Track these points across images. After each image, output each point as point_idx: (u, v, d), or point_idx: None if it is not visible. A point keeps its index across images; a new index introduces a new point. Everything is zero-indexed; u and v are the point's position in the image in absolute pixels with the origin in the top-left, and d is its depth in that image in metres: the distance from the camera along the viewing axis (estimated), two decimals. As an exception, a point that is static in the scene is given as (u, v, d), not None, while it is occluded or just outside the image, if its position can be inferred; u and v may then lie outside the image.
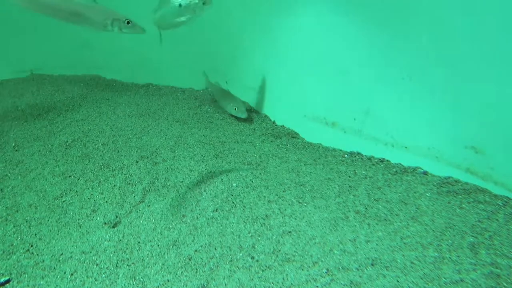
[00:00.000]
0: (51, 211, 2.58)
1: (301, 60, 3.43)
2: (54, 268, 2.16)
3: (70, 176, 2.89)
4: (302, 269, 2.06)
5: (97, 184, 2.80)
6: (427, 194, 2.61)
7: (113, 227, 2.45)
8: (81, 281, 2.07)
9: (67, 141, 3.31)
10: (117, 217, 2.51)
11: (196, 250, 2.22)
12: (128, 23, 2.36)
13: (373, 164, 3.00)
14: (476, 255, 2.10)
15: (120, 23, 2.36)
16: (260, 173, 2.89)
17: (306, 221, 2.40)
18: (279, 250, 2.19)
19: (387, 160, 3.01)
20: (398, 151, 2.96)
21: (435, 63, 2.66)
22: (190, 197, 2.65)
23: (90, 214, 2.55)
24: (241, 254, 2.18)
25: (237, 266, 2.10)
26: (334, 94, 3.26)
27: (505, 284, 1.91)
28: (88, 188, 2.77)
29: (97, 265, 2.16)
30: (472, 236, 2.24)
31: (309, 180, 2.81)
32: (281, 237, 2.28)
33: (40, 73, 4.66)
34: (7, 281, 2.09)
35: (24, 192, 2.75)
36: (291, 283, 1.98)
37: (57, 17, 2.37)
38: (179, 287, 2.00)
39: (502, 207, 2.45)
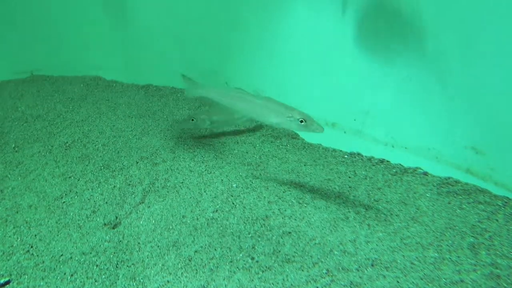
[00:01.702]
0: (51, 212, 2.58)
1: (301, 60, 3.43)
2: (54, 269, 2.16)
3: (70, 177, 2.89)
4: (302, 270, 2.06)
5: (97, 185, 2.80)
6: (427, 195, 2.61)
7: (113, 228, 2.44)
8: (81, 282, 2.07)
9: (67, 142, 3.31)
10: (117, 218, 2.51)
11: (196, 251, 2.22)
12: (302, 121, 2.28)
13: (373, 165, 3.00)
14: (476, 256, 2.10)
15: (294, 121, 2.31)
16: (260, 174, 2.89)
17: (306, 221, 2.40)
18: (279, 251, 2.19)
19: (387, 161, 3.01)
20: (398, 151, 2.97)
21: (435, 64, 2.66)
22: (190, 198, 2.65)
23: (90, 215, 2.54)
24: (241, 255, 2.18)
25: (237, 267, 2.10)
26: (334, 95, 3.26)
27: (505, 284, 1.91)
28: (88, 189, 2.77)
29: (97, 266, 2.16)
30: (472, 236, 2.24)
31: (309, 181, 2.81)
32: (281, 238, 2.28)
33: (40, 74, 4.67)
34: (7, 282, 2.08)
35: (24, 193, 2.74)
36: (291, 284, 1.98)
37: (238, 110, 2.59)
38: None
39: (502, 208, 2.45)
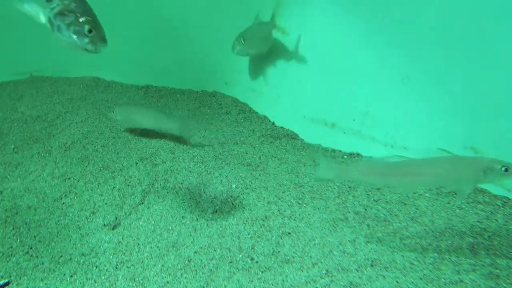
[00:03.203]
0: (51, 213, 2.58)
1: (301, 61, 3.43)
2: (54, 270, 2.16)
3: (69, 178, 2.89)
4: (302, 270, 2.06)
5: (96, 186, 2.80)
6: (427, 195, 2.61)
7: (113, 229, 2.45)
8: (80, 283, 2.07)
9: (66, 143, 3.31)
10: (116, 218, 2.51)
11: (195, 252, 2.22)
12: (507, 170, 1.94)
13: (373, 165, 2.99)
14: (476, 256, 2.10)
15: (492, 172, 1.95)
16: (259, 174, 2.89)
17: (305, 222, 2.40)
18: (279, 251, 2.19)
19: (387, 161, 3.01)
20: (398, 151, 2.96)
21: (434, 64, 2.66)
22: (190, 198, 2.65)
23: (90, 216, 2.55)
24: (240, 256, 2.18)
25: (237, 268, 2.10)
26: (334, 95, 3.26)
27: (504, 284, 1.91)
28: (88, 190, 2.77)
29: (96, 267, 2.16)
30: (472, 236, 2.24)
31: (309, 181, 2.80)
32: (281, 238, 2.28)
33: (40, 75, 4.66)
34: (7, 284, 2.08)
35: (24, 194, 2.74)
36: (291, 284, 1.98)
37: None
38: (178, 288, 2.01)
39: (501, 207, 2.45)
